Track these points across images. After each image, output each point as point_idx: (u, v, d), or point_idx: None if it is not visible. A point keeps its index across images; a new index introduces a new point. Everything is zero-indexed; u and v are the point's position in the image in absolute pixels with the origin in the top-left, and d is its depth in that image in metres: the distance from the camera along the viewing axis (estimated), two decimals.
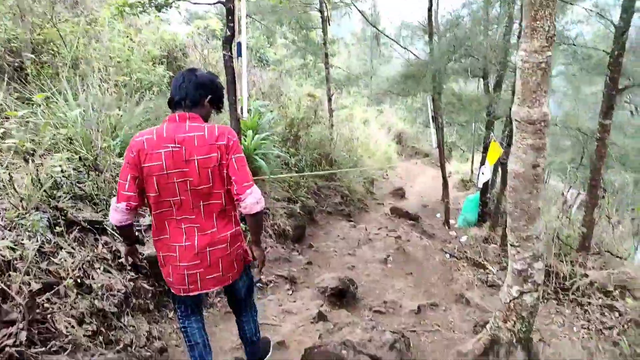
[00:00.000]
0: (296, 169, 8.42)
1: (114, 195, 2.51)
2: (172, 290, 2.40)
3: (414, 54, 10.76)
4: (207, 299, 3.89)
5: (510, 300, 3.10)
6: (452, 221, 10.47)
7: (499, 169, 9.30)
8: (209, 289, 2.36)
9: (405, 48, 11.15)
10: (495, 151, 8.21)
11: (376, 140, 16.49)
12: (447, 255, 6.94)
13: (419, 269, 6.00)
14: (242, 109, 5.29)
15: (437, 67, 8.47)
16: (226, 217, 2.29)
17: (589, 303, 4.59)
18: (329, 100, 11.01)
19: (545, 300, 4.89)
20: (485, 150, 9.82)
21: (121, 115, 4.28)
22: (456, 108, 9.90)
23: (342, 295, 4.52)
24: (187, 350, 2.59)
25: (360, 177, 11.66)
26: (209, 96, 2.26)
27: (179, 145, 2.11)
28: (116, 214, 2.20)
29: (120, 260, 3.22)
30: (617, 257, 5.64)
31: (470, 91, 11.24)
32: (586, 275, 4.85)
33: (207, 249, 2.24)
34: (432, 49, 8.95)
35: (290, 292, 4.63)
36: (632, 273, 4.91)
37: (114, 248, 3.28)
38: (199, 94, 2.22)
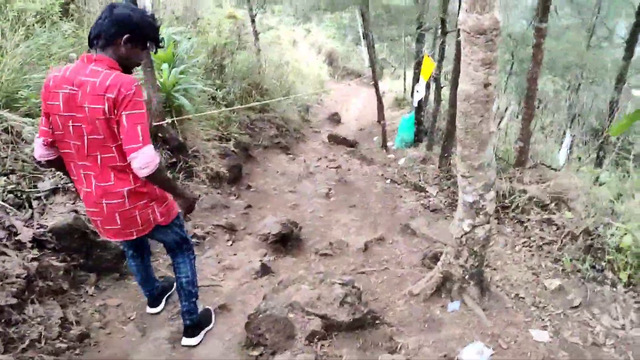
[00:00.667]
0: (225, 103, 7.79)
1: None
2: None
3: None
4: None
5: (462, 235, 2.94)
6: (389, 143, 10.40)
7: (432, 85, 9.13)
8: (110, 238, 2.39)
9: None
10: (428, 66, 7.96)
11: (307, 63, 15.80)
12: (388, 182, 6.84)
13: (362, 199, 5.85)
14: None
15: None
16: (123, 172, 2.14)
17: (529, 219, 4.63)
18: (253, 21, 10.12)
19: None
20: (418, 66, 9.56)
21: None
22: (386, 22, 9.43)
23: (286, 240, 4.27)
24: None
25: (294, 105, 11.15)
26: (126, 35, 2.04)
27: (75, 89, 1.97)
28: (37, 149, 2.18)
29: (17, 238, 2.71)
30: (552, 168, 5.74)
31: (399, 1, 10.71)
32: (524, 192, 4.87)
33: (103, 201, 2.17)
34: None
35: (230, 242, 4.30)
36: (566, 184, 5.00)
37: (7, 223, 2.75)
38: (113, 31, 2.02)
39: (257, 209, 5.43)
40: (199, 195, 5.18)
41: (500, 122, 8.25)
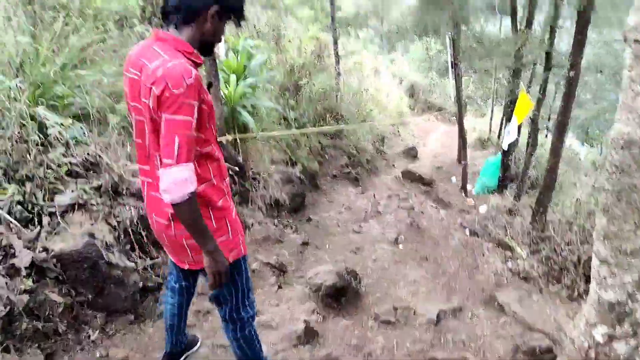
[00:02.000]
0: (296, 124, 7.27)
1: None
2: None
3: None
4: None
5: (589, 347, 2.04)
6: (469, 186, 9.39)
7: (525, 128, 8.08)
8: (173, 259, 1.91)
9: None
10: (525, 105, 6.96)
11: (387, 92, 15.13)
12: (467, 232, 5.90)
13: (436, 251, 4.98)
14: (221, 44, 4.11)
15: None
16: None
17: None
18: (335, 43, 9.63)
19: None
20: (511, 104, 8.56)
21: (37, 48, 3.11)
22: (478, 53, 8.54)
23: (341, 294, 3.52)
24: None
25: (369, 134, 10.48)
26: (215, 7, 1.54)
27: (138, 73, 1.54)
28: None
29: (12, 262, 2.19)
30: None
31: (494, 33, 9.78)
32: None
33: (153, 215, 1.75)
34: None
35: (275, 288, 3.62)
36: None
37: (4, 242, 2.25)
38: (200, 3, 1.53)
39: (314, 247, 4.74)
40: (252, 224, 4.59)
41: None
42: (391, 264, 4.44)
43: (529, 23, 7.59)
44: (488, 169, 9.27)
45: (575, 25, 4.73)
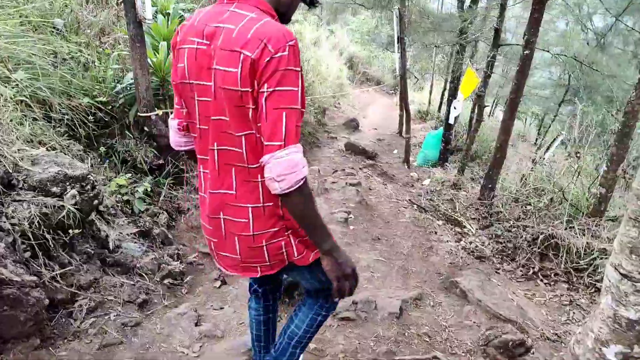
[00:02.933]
0: None
1: None
2: None
3: None
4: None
5: None
6: (410, 159, 9.22)
7: (468, 103, 7.95)
8: (226, 270, 1.53)
9: None
10: (471, 81, 6.78)
11: (327, 64, 14.62)
12: (416, 209, 5.66)
13: (387, 230, 4.66)
14: (143, 4, 3.41)
15: None
16: (250, 179, 1.34)
17: None
18: None
19: (553, 283, 3.72)
20: (455, 80, 8.39)
21: None
22: (423, 27, 8.24)
23: (293, 289, 3.09)
24: None
25: (311, 106, 9.99)
26: None
27: (207, 42, 1.23)
28: (172, 134, 1.56)
29: None
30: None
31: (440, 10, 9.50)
32: (604, 251, 3.66)
33: (220, 215, 1.40)
34: None
35: (218, 284, 3.13)
36: None
37: None
38: None
39: None
40: (188, 209, 4.03)
41: (546, 151, 7.05)
42: (344, 247, 4.06)
43: (475, 1, 7.34)
44: (430, 142, 9.14)
45: (532, 3, 4.46)
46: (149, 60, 3.78)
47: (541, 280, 3.72)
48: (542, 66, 10.85)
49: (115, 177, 3.54)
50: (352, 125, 11.55)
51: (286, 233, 1.41)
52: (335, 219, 4.66)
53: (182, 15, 5.12)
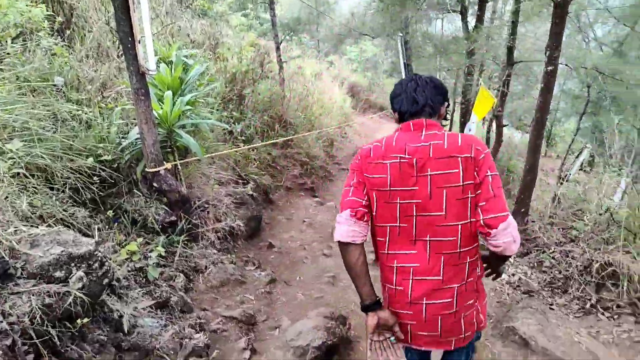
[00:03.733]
0: (243, 138, 6.39)
1: None
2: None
3: None
4: None
5: None
6: None
7: (485, 124, 7.64)
8: (421, 346, 1.67)
9: None
10: (486, 101, 6.47)
11: (330, 95, 14.49)
12: None
13: None
14: (145, 55, 3.17)
15: None
16: (459, 262, 1.56)
17: None
18: (277, 48, 8.81)
19: (617, 317, 3.31)
20: (467, 101, 8.12)
21: None
22: (428, 52, 8.04)
23: (333, 352, 2.72)
24: None
25: (319, 139, 9.75)
26: (446, 102, 1.75)
27: (409, 156, 1.57)
28: (339, 227, 1.66)
29: None
30: None
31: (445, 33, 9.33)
32: None
33: (424, 301, 1.58)
34: None
35: (248, 355, 2.76)
36: None
37: None
38: (438, 100, 1.70)
39: (282, 284, 3.91)
40: (206, 267, 3.69)
41: (570, 169, 6.68)
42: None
43: (480, 20, 7.14)
44: None
45: (552, 16, 4.20)
46: (154, 112, 3.52)
47: (602, 314, 3.31)
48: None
49: (126, 241, 3.24)
50: None
51: (476, 303, 1.65)
52: None
53: (186, 62, 4.92)
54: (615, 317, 3.26)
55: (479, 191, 1.50)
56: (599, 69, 5.37)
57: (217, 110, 5.90)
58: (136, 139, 3.55)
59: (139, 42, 3.05)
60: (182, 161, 4.02)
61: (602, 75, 5.55)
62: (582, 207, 4.72)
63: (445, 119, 1.78)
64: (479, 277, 1.67)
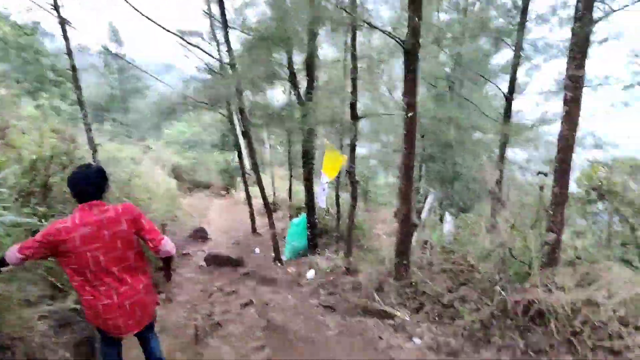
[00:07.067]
0: None
1: None
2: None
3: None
4: None
5: None
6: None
7: (333, 184, 7.37)
8: (132, 331, 2.57)
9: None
10: (335, 160, 6.20)
11: (153, 179, 12.97)
12: (334, 312, 4.52)
13: (323, 355, 3.41)
14: None
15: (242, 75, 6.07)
16: (136, 272, 2.51)
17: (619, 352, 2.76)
18: (89, 130, 7.29)
19: None
20: (306, 164, 7.82)
21: None
22: (263, 121, 7.63)
23: None
24: None
25: None
26: (106, 184, 2.53)
27: (89, 228, 2.34)
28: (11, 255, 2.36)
29: None
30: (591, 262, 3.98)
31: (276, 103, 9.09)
32: (596, 305, 3.00)
33: (127, 302, 2.45)
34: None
35: None
36: None
37: None
38: (102, 185, 2.49)
39: None
40: None
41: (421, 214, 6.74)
42: None
43: (310, 86, 7.02)
44: (295, 231, 8.22)
45: (404, 64, 4.07)
46: None
47: None
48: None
49: None
50: (201, 235, 10.02)
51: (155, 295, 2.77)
52: None
53: None
54: None
55: (143, 231, 2.44)
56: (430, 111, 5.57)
57: (13, 206, 4.25)
58: None
59: None
60: None
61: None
62: (453, 248, 4.54)
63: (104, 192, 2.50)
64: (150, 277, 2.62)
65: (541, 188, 3.96)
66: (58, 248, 2.30)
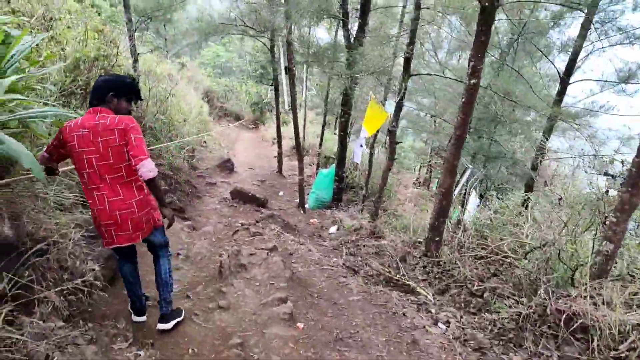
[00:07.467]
0: None
1: None
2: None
3: None
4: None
5: None
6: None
7: (371, 139, 7.11)
8: (121, 243, 2.62)
9: None
10: (378, 116, 5.92)
11: (186, 100, 12.79)
12: (360, 280, 4.44)
13: (343, 319, 3.35)
14: None
15: None
16: (130, 186, 2.57)
17: None
18: (131, 37, 7.04)
19: None
20: (345, 114, 7.53)
21: None
22: (312, 60, 7.25)
23: None
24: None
25: (182, 149, 8.19)
26: (111, 93, 2.56)
27: (87, 130, 2.43)
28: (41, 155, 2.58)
29: None
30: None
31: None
32: None
33: (117, 212, 2.53)
34: None
35: None
36: None
37: None
38: (103, 93, 2.54)
39: None
40: (47, 358, 2.17)
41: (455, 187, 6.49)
42: None
43: (362, 28, 6.57)
44: (322, 182, 8.09)
45: (478, 23, 3.69)
46: None
47: None
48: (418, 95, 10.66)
49: None
50: (228, 166, 9.97)
51: (154, 211, 2.75)
52: (273, 315, 3.17)
53: (8, 33, 3.14)
54: None
55: (129, 145, 2.44)
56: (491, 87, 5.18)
57: (55, 105, 4.12)
58: None
59: None
60: (1, 182, 2.39)
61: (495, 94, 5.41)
62: (486, 234, 4.35)
63: (136, 100, 2.76)
64: (147, 194, 2.67)
65: (607, 192, 3.68)
66: (65, 147, 2.46)
